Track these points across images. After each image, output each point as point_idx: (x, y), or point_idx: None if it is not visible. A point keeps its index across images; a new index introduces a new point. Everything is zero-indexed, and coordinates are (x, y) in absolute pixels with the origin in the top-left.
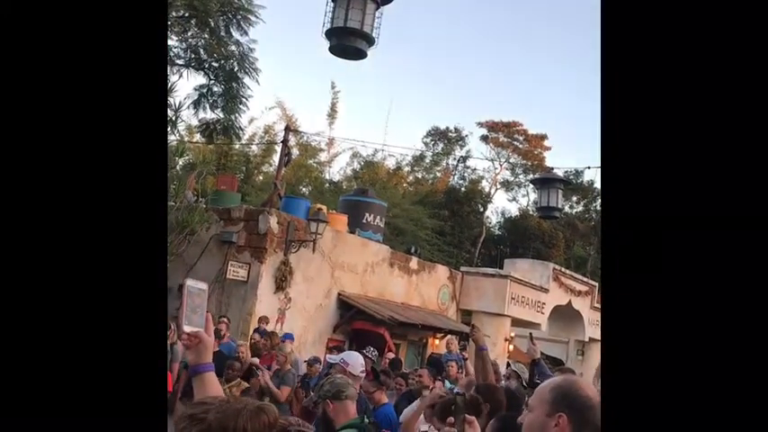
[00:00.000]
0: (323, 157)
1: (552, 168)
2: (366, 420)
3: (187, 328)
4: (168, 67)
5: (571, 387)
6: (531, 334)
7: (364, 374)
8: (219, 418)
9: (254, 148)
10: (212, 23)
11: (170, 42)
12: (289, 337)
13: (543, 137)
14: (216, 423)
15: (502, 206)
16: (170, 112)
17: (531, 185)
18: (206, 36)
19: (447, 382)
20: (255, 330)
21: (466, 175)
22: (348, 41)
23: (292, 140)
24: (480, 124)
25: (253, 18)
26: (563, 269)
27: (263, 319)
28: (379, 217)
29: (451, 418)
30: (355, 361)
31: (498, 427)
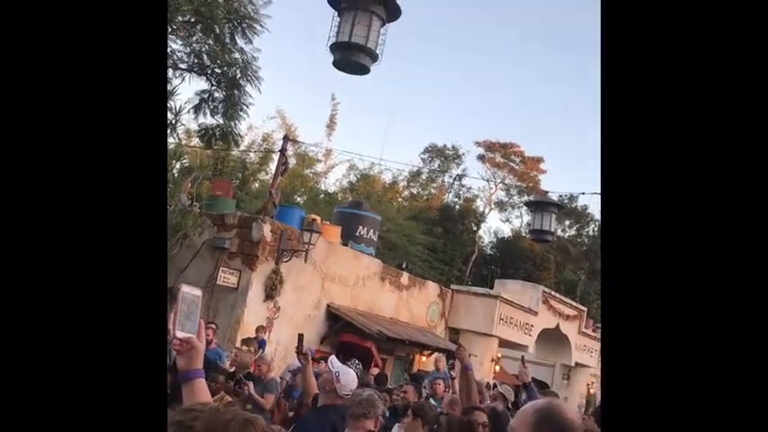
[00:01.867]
0: (319, 167)
1: (547, 192)
2: None
3: (180, 334)
4: (171, 71)
5: (554, 410)
6: (522, 357)
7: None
8: (207, 428)
9: (251, 155)
10: (217, 30)
11: (174, 46)
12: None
13: (539, 160)
14: None
15: (495, 226)
16: (170, 116)
17: (526, 207)
18: (210, 42)
19: (432, 400)
20: (254, 338)
21: (461, 193)
22: (352, 56)
23: (290, 150)
24: (478, 144)
25: (258, 27)
26: (553, 292)
27: (261, 329)
28: (372, 230)
29: None
30: (348, 383)
31: None
